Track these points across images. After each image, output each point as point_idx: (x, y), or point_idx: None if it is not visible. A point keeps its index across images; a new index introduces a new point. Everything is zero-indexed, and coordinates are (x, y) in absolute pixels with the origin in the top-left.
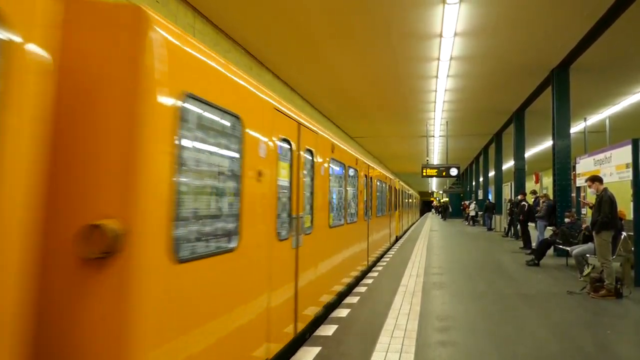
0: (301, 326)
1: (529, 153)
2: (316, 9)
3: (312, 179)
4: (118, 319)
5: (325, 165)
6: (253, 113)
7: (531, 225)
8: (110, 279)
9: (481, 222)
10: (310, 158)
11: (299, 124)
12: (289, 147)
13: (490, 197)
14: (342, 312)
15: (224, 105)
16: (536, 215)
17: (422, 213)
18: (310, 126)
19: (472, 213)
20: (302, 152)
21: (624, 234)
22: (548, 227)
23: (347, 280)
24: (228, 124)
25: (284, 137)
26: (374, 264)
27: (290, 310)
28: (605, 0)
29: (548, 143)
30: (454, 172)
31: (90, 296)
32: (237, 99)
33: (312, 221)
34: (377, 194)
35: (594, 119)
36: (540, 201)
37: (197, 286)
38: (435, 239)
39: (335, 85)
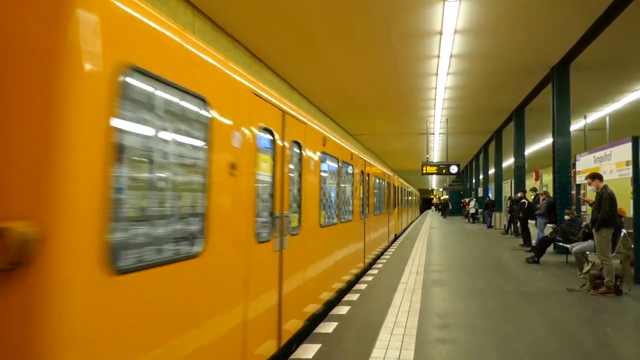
0: (286, 337)
1: (529, 150)
2: (316, 8)
3: (300, 175)
4: (28, 351)
5: (316, 159)
6: (224, 96)
7: (531, 222)
8: (19, 297)
9: (481, 219)
10: (298, 151)
11: (284, 112)
12: (271, 137)
13: (490, 194)
14: (342, 310)
15: (184, 84)
16: (536, 212)
17: (422, 210)
18: (298, 116)
19: (472, 210)
20: (287, 144)
21: (624, 231)
22: (548, 225)
23: (340, 285)
24: (190, 106)
25: (265, 126)
26: (371, 264)
27: (272, 322)
28: None
29: (548, 140)
30: (454, 169)
31: None
32: (202, 78)
33: (300, 220)
34: (375, 191)
35: (594, 116)
36: (540, 199)
37: (145, 302)
38: (435, 237)
39: (335, 82)
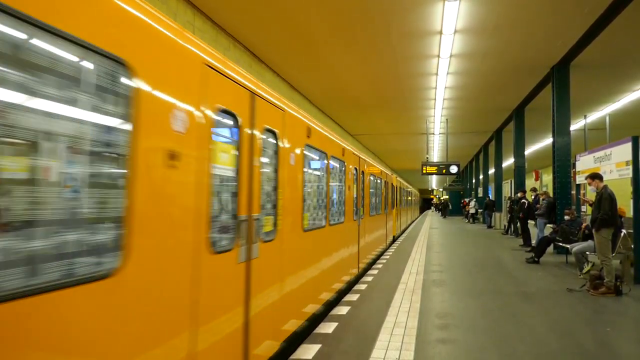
0: None
1: (529, 150)
2: (316, 7)
3: (277, 170)
4: None
5: (298, 152)
6: (157, 62)
7: (531, 222)
8: None
9: (481, 219)
10: (274, 142)
11: (253, 94)
12: (234, 123)
13: (490, 194)
14: (342, 310)
15: (85, 37)
16: (536, 212)
17: (422, 211)
18: (272, 99)
19: (472, 211)
20: (258, 133)
21: (624, 231)
22: (548, 225)
23: (328, 296)
24: (96, 67)
25: (225, 108)
26: (367, 269)
27: (235, 347)
28: None
29: (548, 140)
30: (453, 169)
31: None
32: (120, 33)
33: (275, 224)
34: (371, 190)
35: (594, 116)
36: (540, 199)
37: (14, 342)
38: (435, 237)
39: (335, 82)
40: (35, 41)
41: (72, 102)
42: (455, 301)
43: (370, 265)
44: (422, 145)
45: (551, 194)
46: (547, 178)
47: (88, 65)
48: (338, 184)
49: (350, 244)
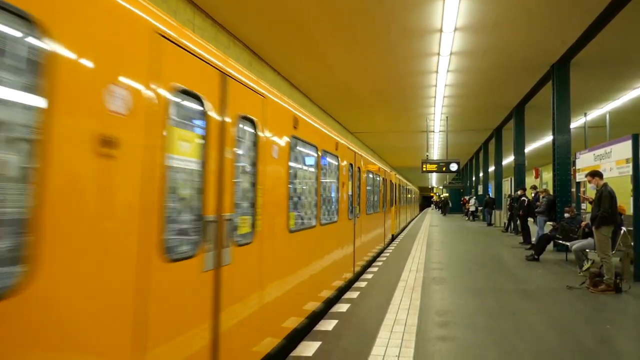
0: None
1: (529, 148)
2: (316, 6)
3: (256, 164)
4: None
5: (282, 144)
6: (82, 23)
7: (531, 220)
8: None
9: (481, 217)
10: (252, 131)
11: (224, 74)
12: (199, 107)
13: (490, 192)
14: (342, 307)
15: None
16: (536, 210)
17: (422, 208)
18: (250, 83)
19: (472, 208)
20: (231, 120)
21: (624, 229)
22: (548, 222)
23: (316, 305)
24: None
25: (186, 88)
26: (363, 270)
27: None
28: None
29: (548, 138)
30: (453, 167)
31: None
32: None
33: (254, 225)
34: (368, 187)
35: (594, 114)
36: (540, 196)
37: None
38: (435, 234)
39: (336, 80)
40: None
41: None
42: (455, 299)
43: (366, 267)
44: (422, 143)
45: (551, 192)
46: (547, 176)
47: None
48: (331, 180)
49: (344, 244)
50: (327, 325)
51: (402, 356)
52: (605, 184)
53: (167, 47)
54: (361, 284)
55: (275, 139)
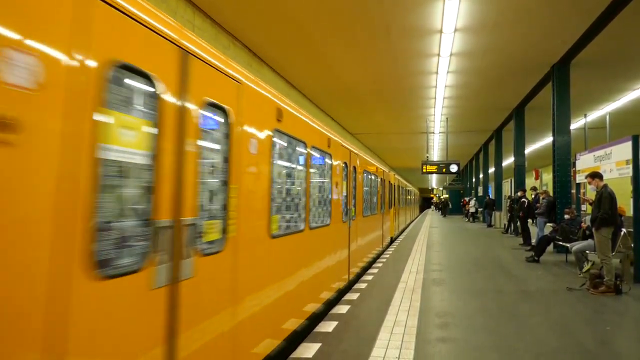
0: None
1: (529, 149)
2: (316, 6)
3: (228, 159)
4: None
5: (262, 138)
6: None
7: (530, 221)
8: None
9: (481, 218)
10: (223, 121)
11: (186, 52)
12: (149, 88)
13: (490, 193)
14: (342, 309)
15: None
16: (536, 211)
17: (422, 210)
18: (220, 65)
19: (472, 210)
20: (193, 107)
21: (624, 230)
22: (548, 224)
23: (297, 322)
24: None
25: (127, 63)
26: (358, 277)
27: None
28: None
29: (548, 139)
30: (453, 168)
31: None
32: None
33: (225, 230)
34: (365, 188)
35: (594, 115)
36: (540, 198)
37: None
38: (435, 236)
39: (335, 81)
40: None
41: None
42: (455, 300)
43: (363, 272)
44: (422, 144)
45: (551, 193)
46: (547, 177)
47: None
48: (322, 180)
49: (337, 249)
50: (327, 326)
51: (402, 358)
52: (605, 185)
53: (98, 10)
54: (361, 285)
55: (254, 131)
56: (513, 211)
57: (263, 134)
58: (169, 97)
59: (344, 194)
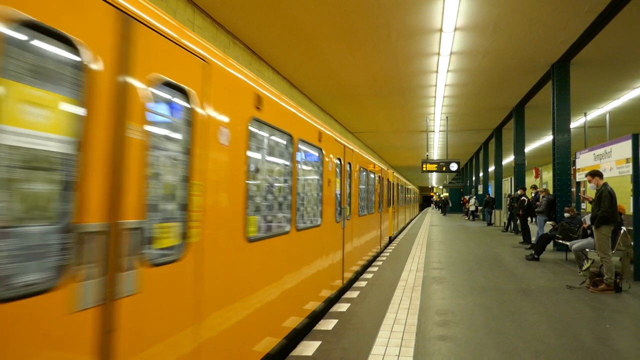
0: None
1: (529, 148)
2: (316, 5)
3: (190, 150)
4: None
5: (237, 128)
6: None
7: (530, 220)
8: None
9: (481, 217)
10: (185, 105)
11: (127, 15)
12: (72, 56)
13: (490, 192)
14: (342, 307)
15: None
16: (536, 210)
17: (421, 208)
18: (180, 38)
19: (472, 208)
20: (137, 84)
21: (624, 228)
22: (548, 222)
23: (276, 340)
24: None
25: (35, 21)
26: (354, 280)
27: None
28: None
29: (548, 138)
30: (454, 167)
31: None
32: None
33: (184, 234)
34: (361, 186)
35: (594, 113)
36: (540, 196)
37: None
38: (435, 234)
39: (335, 80)
40: None
41: None
42: (455, 298)
43: (358, 274)
44: (422, 143)
45: (551, 192)
46: (547, 175)
47: None
48: (312, 177)
49: (330, 251)
50: (327, 324)
51: (402, 355)
52: (605, 184)
53: None
54: (361, 283)
55: (226, 119)
56: (513, 209)
57: (238, 123)
58: (100, 69)
59: (338, 192)
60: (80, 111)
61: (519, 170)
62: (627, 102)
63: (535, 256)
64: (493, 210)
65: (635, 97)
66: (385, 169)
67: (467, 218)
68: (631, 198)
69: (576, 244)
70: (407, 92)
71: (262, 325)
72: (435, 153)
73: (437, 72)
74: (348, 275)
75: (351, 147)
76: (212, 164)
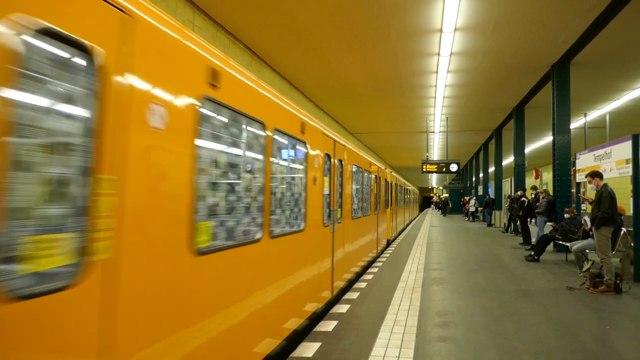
0: None
1: (529, 149)
2: (316, 7)
3: (97, 133)
4: None
5: (178, 106)
6: None
7: (530, 220)
8: None
9: (481, 217)
10: (83, 66)
11: None
12: None
13: (490, 192)
14: (342, 308)
15: None
16: (536, 211)
17: (421, 209)
18: None
19: (472, 209)
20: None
21: (624, 229)
22: (548, 223)
23: None
24: None
25: None
26: (345, 289)
27: None
28: None
29: (548, 139)
30: (454, 167)
31: None
32: None
33: (84, 250)
34: (356, 187)
35: (594, 114)
36: (540, 197)
37: None
38: (434, 235)
39: (335, 80)
40: None
41: None
42: (455, 299)
43: (351, 283)
44: (422, 144)
45: (551, 192)
46: (547, 176)
47: None
48: (292, 175)
49: (317, 260)
50: (327, 326)
51: (402, 357)
52: (605, 185)
53: None
54: (361, 284)
55: (160, 94)
56: (513, 210)
57: (180, 101)
58: None
59: (327, 192)
60: None
61: (519, 171)
62: (627, 102)
63: (535, 257)
64: (493, 211)
65: (635, 97)
66: (383, 168)
67: (467, 219)
68: (631, 199)
69: (576, 245)
70: (407, 92)
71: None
72: (435, 154)
73: (437, 72)
74: (339, 284)
75: (342, 143)
76: (136, 152)
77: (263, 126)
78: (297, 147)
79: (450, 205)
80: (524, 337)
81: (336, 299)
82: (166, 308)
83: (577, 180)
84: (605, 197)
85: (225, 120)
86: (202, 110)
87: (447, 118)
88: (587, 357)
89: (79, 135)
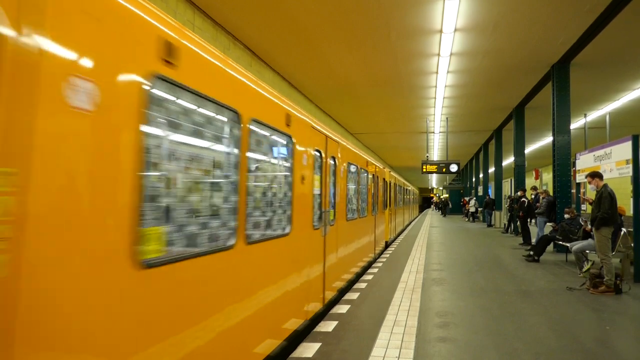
0: None
1: (529, 149)
2: (316, 6)
3: None
4: None
5: (116, 84)
6: None
7: (530, 221)
8: None
9: (481, 218)
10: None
11: None
12: None
13: (490, 193)
14: (342, 309)
15: None
16: (536, 211)
17: (421, 209)
18: None
19: (472, 209)
20: None
21: (624, 230)
22: (548, 223)
23: None
24: None
25: None
26: (341, 294)
27: None
28: None
29: (548, 139)
30: (454, 168)
31: None
32: None
33: None
34: (351, 186)
35: (594, 115)
36: (540, 197)
37: None
38: (434, 236)
39: (335, 81)
40: None
41: None
42: (455, 300)
43: (345, 290)
44: (422, 144)
45: (551, 193)
46: (547, 177)
47: None
48: (275, 173)
49: (305, 266)
50: (327, 326)
51: (402, 357)
52: (605, 185)
53: None
54: (361, 285)
55: (87, 66)
56: (513, 211)
57: (119, 78)
58: None
59: (317, 192)
60: None
61: (519, 172)
62: (627, 103)
63: (536, 257)
64: (493, 212)
65: (635, 98)
66: (381, 167)
67: (467, 219)
68: (631, 199)
69: (576, 246)
70: (407, 92)
71: None
72: (435, 154)
73: (437, 72)
74: (330, 294)
75: (336, 139)
76: (46, 137)
77: (237, 116)
78: (281, 141)
79: (450, 205)
80: (524, 338)
81: (326, 310)
82: (94, 336)
83: (577, 181)
84: (605, 198)
85: (187, 106)
86: (153, 90)
87: (447, 118)
88: (587, 358)
89: None
